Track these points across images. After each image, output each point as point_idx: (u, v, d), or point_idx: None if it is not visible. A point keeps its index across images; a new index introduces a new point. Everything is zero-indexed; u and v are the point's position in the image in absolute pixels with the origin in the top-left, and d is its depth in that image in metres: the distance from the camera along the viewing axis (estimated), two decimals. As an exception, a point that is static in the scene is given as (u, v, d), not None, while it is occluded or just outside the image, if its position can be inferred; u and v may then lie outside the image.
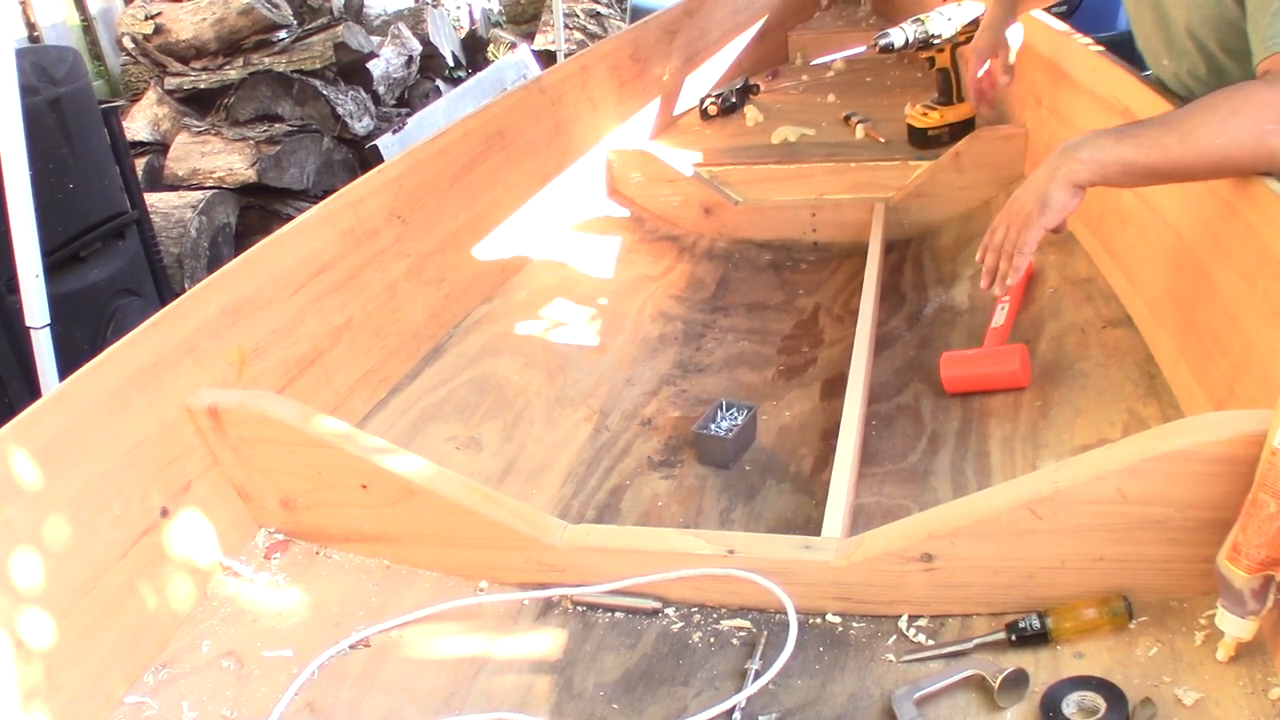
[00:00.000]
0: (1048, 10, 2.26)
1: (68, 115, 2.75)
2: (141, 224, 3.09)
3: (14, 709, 1.05)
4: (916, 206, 2.30)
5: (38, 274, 2.06)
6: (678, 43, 2.91)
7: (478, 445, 1.65)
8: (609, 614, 1.24)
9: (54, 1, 4.63)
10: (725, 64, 3.17)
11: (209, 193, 3.89)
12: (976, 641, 1.10)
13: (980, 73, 2.15)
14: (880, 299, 1.99)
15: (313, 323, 1.62)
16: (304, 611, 1.29)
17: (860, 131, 2.62)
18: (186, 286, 3.47)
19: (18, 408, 1.21)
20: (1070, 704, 0.99)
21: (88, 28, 4.83)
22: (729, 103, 2.90)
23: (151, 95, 4.34)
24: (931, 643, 1.13)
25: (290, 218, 2.56)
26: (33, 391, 2.23)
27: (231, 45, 4.41)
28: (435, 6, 5.83)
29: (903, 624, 1.16)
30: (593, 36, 6.03)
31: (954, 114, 2.41)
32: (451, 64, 5.57)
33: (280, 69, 4.34)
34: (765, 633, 1.17)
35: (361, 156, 4.29)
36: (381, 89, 4.82)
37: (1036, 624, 1.09)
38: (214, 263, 3.68)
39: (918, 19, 2.30)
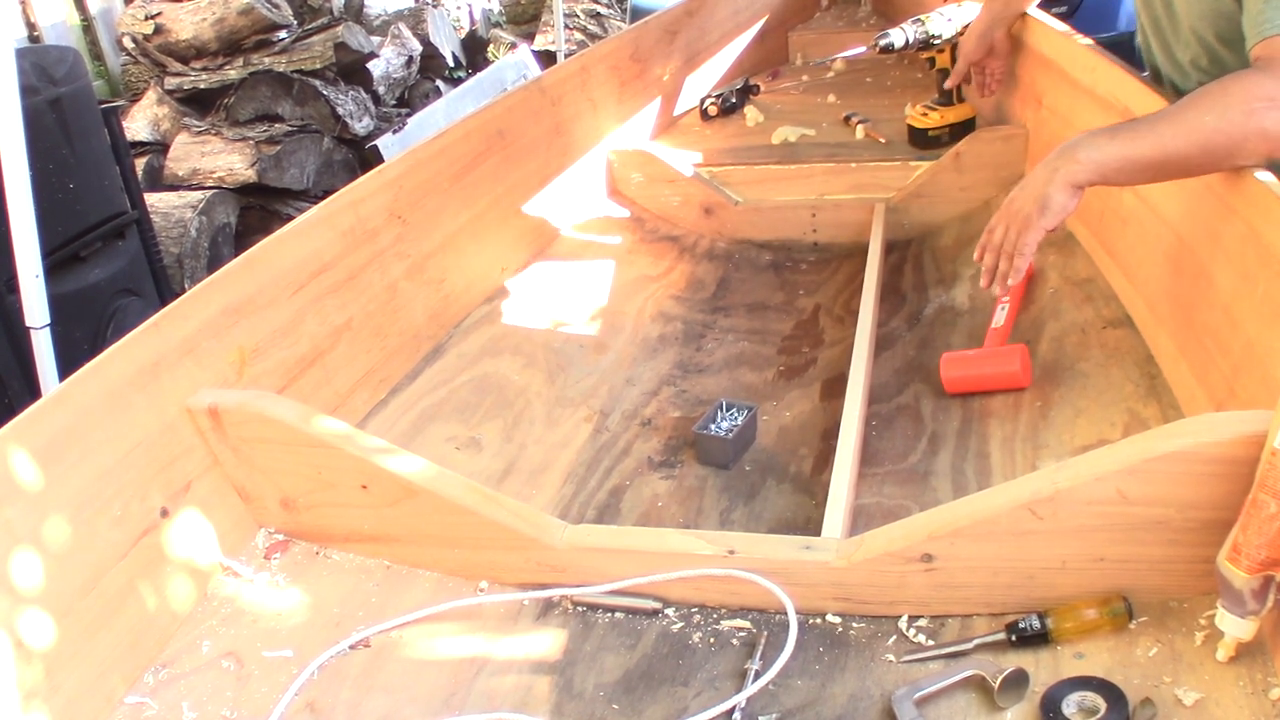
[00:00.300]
0: (1048, 10, 2.27)
1: (68, 115, 2.75)
2: (141, 224, 3.09)
3: (14, 709, 1.05)
4: (917, 207, 2.30)
5: (38, 274, 2.06)
6: (678, 43, 2.91)
7: (478, 445, 1.65)
8: (609, 614, 1.24)
9: (54, 1, 4.63)
10: (725, 64, 3.17)
11: (209, 193, 3.89)
12: (977, 642, 1.10)
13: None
14: (880, 299, 1.99)
15: (313, 323, 1.62)
16: (304, 612, 1.29)
17: (860, 132, 2.62)
18: (186, 286, 3.47)
19: (18, 408, 1.21)
20: (1070, 704, 0.99)
21: (88, 28, 4.83)
22: (729, 103, 2.90)
23: (151, 95, 4.34)
24: (931, 643, 1.13)
25: (290, 218, 2.57)
26: (33, 391, 2.23)
27: (231, 45, 4.41)
28: (435, 6, 5.83)
29: (903, 624, 1.16)
30: (593, 37, 6.03)
31: (954, 114, 2.42)
32: (452, 64, 5.57)
33: (280, 69, 4.34)
34: (765, 633, 1.17)
35: (361, 156, 4.29)
36: (381, 89, 4.82)
37: (1037, 624, 1.09)
38: (214, 263, 3.68)
39: (918, 19, 2.30)
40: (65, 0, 4.70)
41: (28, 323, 2.09)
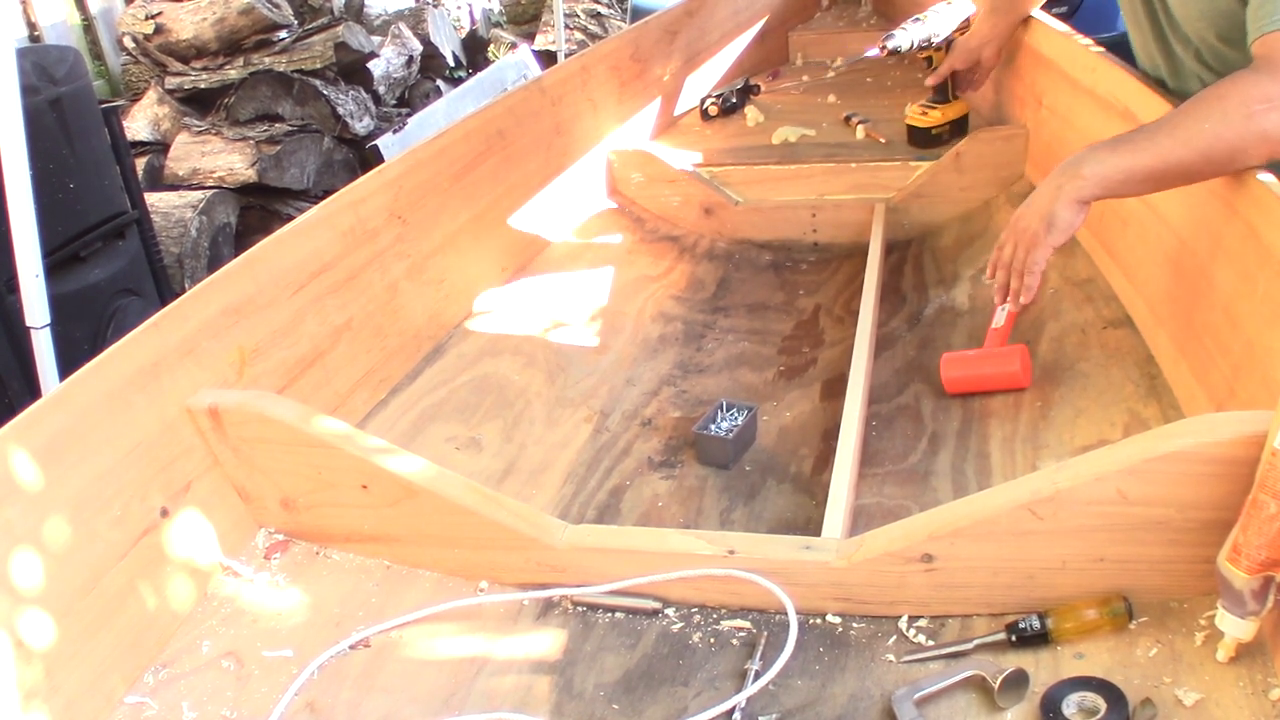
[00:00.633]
0: (1048, 10, 2.27)
1: (68, 115, 2.75)
2: (142, 224, 3.09)
3: (14, 709, 1.05)
4: (917, 207, 2.30)
5: (38, 274, 2.06)
6: (678, 43, 2.90)
7: (478, 445, 1.65)
8: (609, 614, 1.24)
9: (54, 1, 4.63)
10: (726, 64, 3.17)
11: (209, 193, 3.89)
12: (977, 642, 1.10)
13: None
14: (880, 299, 1.99)
15: (313, 323, 1.62)
16: (304, 612, 1.29)
17: (861, 132, 2.62)
18: (186, 286, 3.47)
19: (18, 408, 1.21)
20: (1070, 704, 0.99)
21: (88, 27, 4.83)
22: (729, 103, 2.90)
23: (152, 95, 4.34)
24: (932, 643, 1.13)
25: (290, 218, 2.57)
26: (33, 391, 2.23)
27: (232, 45, 4.41)
28: (436, 6, 5.83)
29: (903, 624, 1.16)
30: (593, 36, 6.03)
31: (953, 111, 2.42)
32: (452, 64, 5.57)
33: (281, 69, 4.34)
34: (765, 633, 1.17)
35: (362, 156, 4.28)
36: (382, 89, 4.82)
37: (1037, 624, 1.09)
38: (214, 263, 3.68)
39: (918, 19, 2.31)
40: (66, 0, 4.70)
41: (28, 322, 2.09)
